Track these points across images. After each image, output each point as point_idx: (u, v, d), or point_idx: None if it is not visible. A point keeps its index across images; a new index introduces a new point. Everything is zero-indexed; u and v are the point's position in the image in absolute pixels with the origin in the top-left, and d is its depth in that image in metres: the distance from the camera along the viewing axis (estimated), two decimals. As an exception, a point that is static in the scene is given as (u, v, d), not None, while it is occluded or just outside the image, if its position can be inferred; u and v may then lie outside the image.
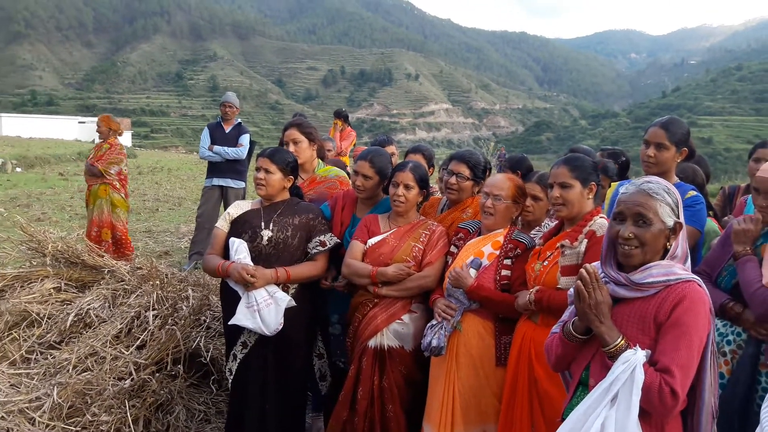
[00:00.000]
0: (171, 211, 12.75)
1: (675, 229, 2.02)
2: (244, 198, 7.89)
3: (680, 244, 2.05)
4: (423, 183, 3.38)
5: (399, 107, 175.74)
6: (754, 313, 2.68)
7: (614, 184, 3.56)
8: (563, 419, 2.12)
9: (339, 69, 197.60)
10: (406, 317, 3.25)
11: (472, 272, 3.00)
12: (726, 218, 3.68)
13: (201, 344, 4.10)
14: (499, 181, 3.19)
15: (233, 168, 7.84)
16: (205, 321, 4.36)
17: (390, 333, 3.22)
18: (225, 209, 7.77)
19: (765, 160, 4.10)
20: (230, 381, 3.42)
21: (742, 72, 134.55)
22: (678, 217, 2.03)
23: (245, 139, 7.86)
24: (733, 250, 2.79)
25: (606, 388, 1.90)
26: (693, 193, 3.19)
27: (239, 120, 8.09)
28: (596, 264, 2.16)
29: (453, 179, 3.54)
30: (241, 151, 7.77)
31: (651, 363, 1.91)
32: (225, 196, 7.86)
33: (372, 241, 3.34)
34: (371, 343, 3.23)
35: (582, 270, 2.02)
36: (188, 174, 21.34)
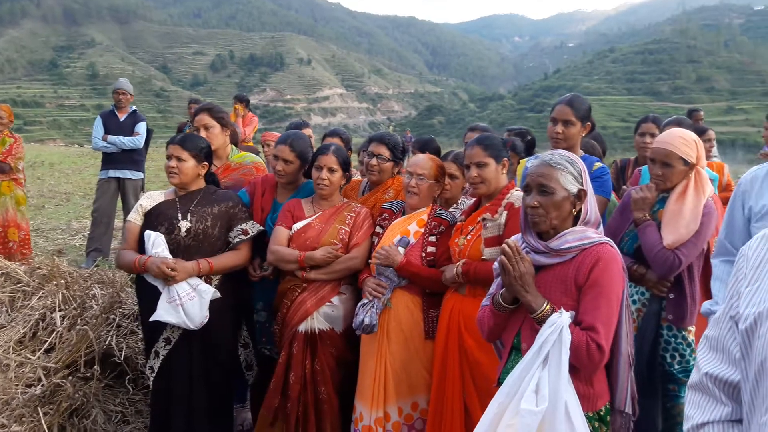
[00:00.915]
0: (59, 207, 11.92)
1: (580, 196, 2.17)
2: (143, 189, 7.53)
3: (591, 210, 2.21)
4: (345, 166, 3.39)
5: (293, 92, 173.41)
6: (656, 273, 2.93)
7: (523, 161, 3.74)
8: (499, 384, 2.24)
9: (228, 53, 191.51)
10: (335, 299, 3.26)
11: (401, 250, 3.07)
12: (624, 187, 3.97)
13: (113, 343, 3.91)
14: (423, 161, 3.26)
15: (130, 158, 7.44)
16: (115, 319, 4.15)
17: (320, 316, 3.23)
18: (123, 202, 7.45)
19: (649, 133, 4.47)
20: (151, 379, 3.29)
21: (615, 54, 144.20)
22: (582, 185, 2.17)
23: (142, 128, 7.48)
24: (633, 217, 3.03)
25: (537, 350, 2.02)
26: (599, 164, 3.42)
27: (134, 107, 7.69)
28: (517, 237, 2.30)
29: (374, 161, 3.58)
30: (137, 140, 7.39)
31: (576, 323, 2.06)
32: (122, 189, 7.46)
33: (297, 225, 3.32)
34: (301, 327, 3.22)
35: (504, 245, 2.14)
36: (72, 167, 19.96)
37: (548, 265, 2.17)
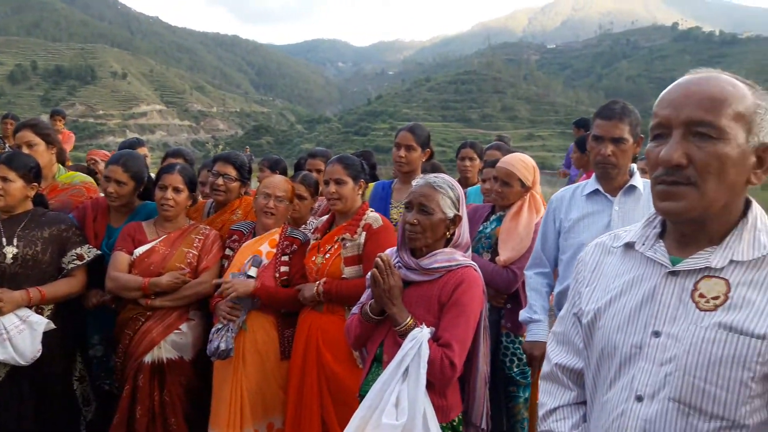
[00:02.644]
0: None
1: (455, 220, 2.31)
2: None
3: (463, 234, 2.36)
4: (192, 186, 3.27)
5: (105, 107, 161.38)
6: (493, 288, 3.19)
7: (372, 185, 3.88)
8: (360, 395, 2.31)
9: (30, 64, 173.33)
10: (184, 326, 3.11)
11: (253, 270, 3.02)
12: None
13: None
14: (280, 182, 3.25)
15: None
16: None
17: (168, 345, 3.06)
18: None
19: (468, 158, 4.87)
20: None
21: (431, 83, 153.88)
22: (458, 210, 2.32)
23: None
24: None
25: (398, 363, 2.12)
26: None
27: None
28: (391, 250, 2.39)
29: (220, 180, 3.49)
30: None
31: (435, 338, 2.17)
32: None
33: (139, 250, 3.12)
34: (147, 358, 3.02)
35: (377, 258, 2.23)
36: None
37: (417, 282, 2.27)
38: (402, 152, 3.56)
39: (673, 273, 1.25)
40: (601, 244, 1.46)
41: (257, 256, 3.08)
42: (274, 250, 3.14)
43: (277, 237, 3.18)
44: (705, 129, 1.16)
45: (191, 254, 3.18)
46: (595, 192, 2.74)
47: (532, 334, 2.85)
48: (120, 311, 3.14)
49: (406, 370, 2.11)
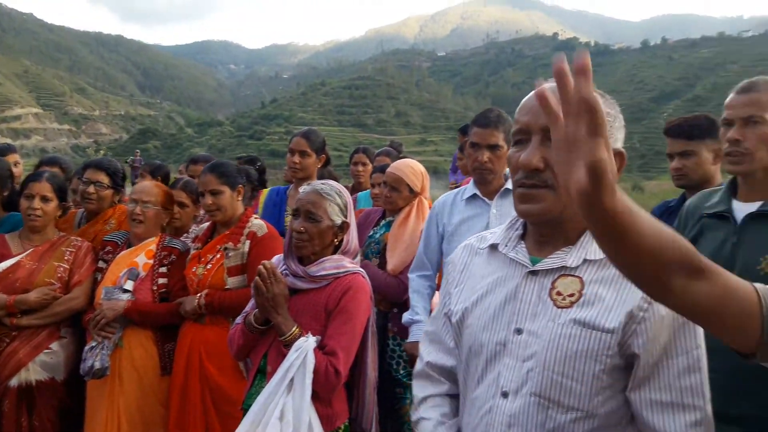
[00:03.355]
0: None
1: (343, 227, 2.32)
2: None
3: (351, 241, 2.37)
4: (62, 195, 3.08)
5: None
6: (382, 296, 3.24)
7: (266, 191, 3.83)
8: (243, 408, 2.26)
9: None
10: (54, 345, 2.93)
11: (129, 284, 2.89)
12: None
13: None
14: (147, 187, 3.13)
15: None
16: None
17: (37, 366, 2.87)
18: None
19: (361, 163, 4.95)
20: None
21: (326, 88, 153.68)
22: (346, 217, 2.33)
23: None
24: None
25: (282, 375, 2.08)
26: None
27: None
28: (278, 257, 2.36)
29: (91, 188, 3.30)
30: None
31: (321, 346, 2.16)
32: None
33: (2, 265, 2.89)
34: (14, 381, 2.82)
35: (260, 266, 2.18)
36: None
37: (304, 289, 2.25)
38: (296, 158, 3.55)
39: (533, 272, 1.30)
40: (468, 246, 1.51)
41: (133, 268, 2.95)
42: (152, 261, 3.02)
43: (154, 247, 3.06)
44: None
45: (62, 268, 2.99)
46: (474, 196, 2.86)
47: (413, 335, 2.92)
48: (-20, 333, 2.89)
49: (291, 381, 2.08)
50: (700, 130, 2.65)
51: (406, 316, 3.00)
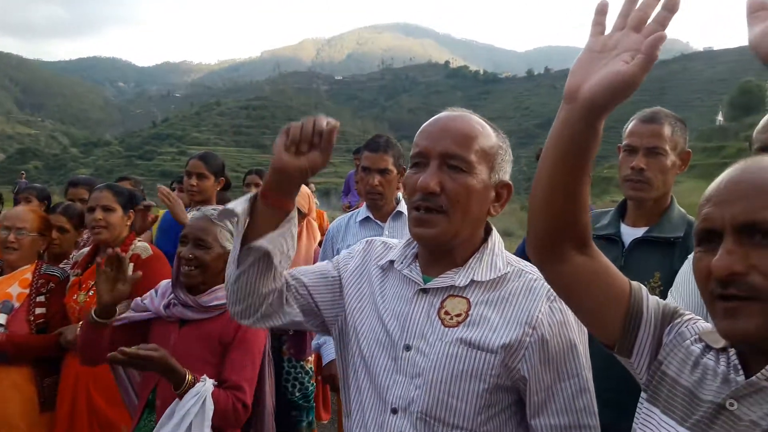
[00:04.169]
0: None
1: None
2: None
3: None
4: None
5: None
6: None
7: (161, 212, 3.70)
8: (131, 440, 2.14)
9: None
10: None
11: (2, 317, 2.66)
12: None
13: None
14: (22, 213, 2.94)
15: None
16: None
17: None
18: None
19: (254, 183, 4.91)
20: None
21: (222, 107, 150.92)
22: None
23: None
24: None
25: (178, 422, 1.94)
26: None
27: None
28: (165, 283, 2.26)
29: (-43, 214, 3.04)
30: None
31: (221, 381, 2.06)
32: None
33: None
34: None
35: (115, 354, 1.92)
36: None
37: (194, 320, 2.15)
38: (193, 180, 3.48)
39: (424, 291, 1.33)
40: (371, 249, 1.50)
41: (7, 301, 2.72)
42: (27, 291, 2.80)
43: (29, 276, 2.85)
44: (457, 162, 1.27)
45: None
46: (367, 219, 2.92)
47: (326, 357, 2.91)
48: None
49: (189, 426, 1.94)
50: None
51: (313, 343, 2.98)
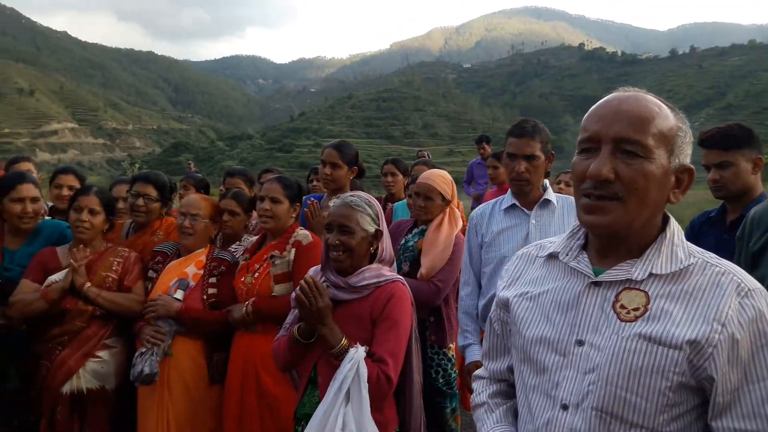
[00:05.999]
0: None
1: (377, 236, 2.33)
2: None
3: (386, 249, 2.38)
4: (109, 208, 3.16)
5: (12, 126, 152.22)
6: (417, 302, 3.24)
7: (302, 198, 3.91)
8: (296, 416, 2.28)
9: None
10: (104, 354, 2.98)
11: (180, 293, 2.94)
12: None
13: None
14: (195, 200, 3.19)
15: None
16: None
17: (87, 374, 2.92)
18: None
19: (390, 173, 5.01)
20: None
21: (353, 101, 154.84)
22: (379, 226, 2.35)
23: None
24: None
25: (338, 387, 2.07)
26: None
27: None
28: (315, 269, 2.39)
29: (140, 201, 3.39)
30: None
31: (369, 354, 2.15)
32: None
33: (54, 277, 2.94)
34: (65, 388, 2.87)
35: (302, 281, 2.18)
36: None
37: (346, 300, 2.26)
38: (328, 169, 3.59)
39: (596, 283, 1.27)
40: (526, 255, 1.49)
41: (183, 278, 3.00)
42: (201, 272, 3.07)
43: (203, 258, 3.11)
44: (633, 147, 1.18)
45: (110, 278, 3.06)
46: (513, 206, 2.86)
47: (469, 357, 2.91)
48: (35, 341, 2.97)
49: (348, 392, 2.07)
50: (735, 140, 2.60)
51: (460, 341, 3.01)
